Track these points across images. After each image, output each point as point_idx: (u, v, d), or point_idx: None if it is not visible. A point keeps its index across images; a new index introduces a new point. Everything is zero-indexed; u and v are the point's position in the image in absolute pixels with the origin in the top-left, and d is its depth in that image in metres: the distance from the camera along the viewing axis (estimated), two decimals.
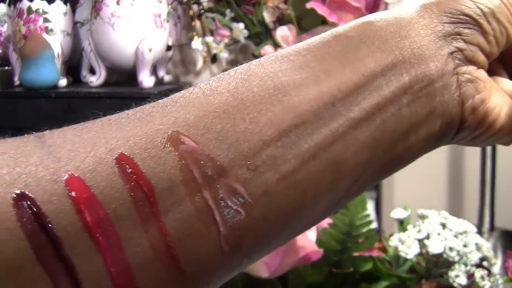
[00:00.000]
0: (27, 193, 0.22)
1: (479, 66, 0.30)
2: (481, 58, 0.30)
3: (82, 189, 0.23)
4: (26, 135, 0.25)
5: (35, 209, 0.22)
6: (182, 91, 0.28)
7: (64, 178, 0.23)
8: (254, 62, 0.29)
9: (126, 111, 0.27)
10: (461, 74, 0.30)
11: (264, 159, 0.26)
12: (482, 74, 0.30)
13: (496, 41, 0.30)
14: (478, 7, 0.30)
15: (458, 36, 0.30)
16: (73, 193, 0.23)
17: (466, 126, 0.30)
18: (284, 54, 0.29)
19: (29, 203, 0.22)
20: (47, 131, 0.26)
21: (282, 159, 0.26)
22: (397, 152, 0.29)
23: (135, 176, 0.24)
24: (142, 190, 0.24)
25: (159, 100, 0.27)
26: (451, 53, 0.29)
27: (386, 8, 1.03)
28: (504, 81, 0.33)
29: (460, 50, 0.30)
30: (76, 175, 0.23)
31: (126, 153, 0.24)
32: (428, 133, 0.30)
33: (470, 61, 0.30)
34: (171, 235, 0.24)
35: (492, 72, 0.32)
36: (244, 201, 0.26)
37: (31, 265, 0.22)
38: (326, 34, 0.30)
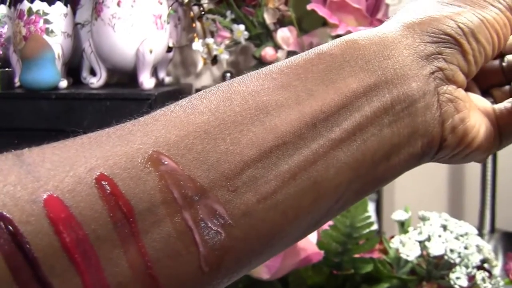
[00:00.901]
0: (4, 213, 0.22)
1: (458, 85, 0.30)
2: (461, 77, 0.30)
3: (61, 210, 0.23)
4: (5, 152, 0.25)
5: (12, 230, 0.22)
6: (163, 108, 0.28)
7: (43, 198, 0.23)
8: (237, 79, 0.29)
9: (107, 129, 0.27)
10: (442, 94, 0.30)
11: (244, 180, 0.26)
12: (461, 93, 0.30)
13: (475, 61, 0.30)
14: (459, 27, 0.30)
15: (439, 56, 0.30)
16: (51, 214, 0.23)
17: (446, 145, 0.30)
18: (267, 72, 0.29)
19: (6, 223, 0.22)
20: (26, 149, 0.25)
21: (263, 180, 0.26)
22: (379, 172, 0.29)
23: (114, 197, 0.24)
24: (121, 210, 0.24)
25: (140, 118, 0.27)
26: (432, 73, 0.29)
27: (387, 10, 1.03)
28: (477, 98, 0.33)
29: (441, 69, 0.30)
30: (55, 195, 0.23)
31: (105, 173, 0.24)
32: (409, 153, 0.30)
33: (450, 80, 0.30)
34: (151, 255, 0.24)
35: (465, 89, 0.32)
36: (224, 222, 0.26)
37: (9, 286, 0.22)
38: (310, 52, 0.30)
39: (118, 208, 0.24)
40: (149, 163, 0.25)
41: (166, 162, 0.25)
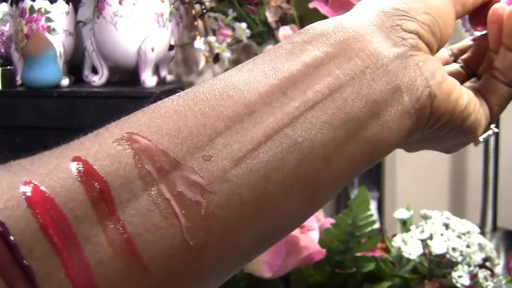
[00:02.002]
0: None
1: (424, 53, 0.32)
2: (423, 46, 0.32)
3: (38, 193, 0.23)
4: None
5: None
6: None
7: (20, 184, 0.23)
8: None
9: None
10: (415, 55, 0.31)
11: (219, 148, 0.26)
12: (431, 56, 0.32)
13: (431, 31, 0.32)
14: (409, 5, 0.32)
15: (398, 27, 0.31)
16: (29, 197, 0.23)
17: (438, 103, 0.31)
18: (233, 67, 0.30)
19: None
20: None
21: (237, 146, 0.27)
22: (371, 132, 0.29)
23: (89, 175, 0.24)
24: (97, 188, 0.24)
25: None
26: (396, 42, 0.31)
27: None
28: None
29: (403, 38, 0.31)
30: (32, 180, 0.24)
31: (79, 155, 0.25)
32: (400, 110, 0.30)
33: (415, 47, 0.31)
34: (130, 230, 0.24)
35: None
36: (203, 190, 0.26)
37: None
38: (271, 46, 0.31)
39: (94, 187, 0.24)
40: (122, 142, 0.26)
41: (139, 141, 0.26)
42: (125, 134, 0.26)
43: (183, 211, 0.25)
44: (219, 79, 0.29)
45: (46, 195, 0.23)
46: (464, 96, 0.33)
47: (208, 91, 0.28)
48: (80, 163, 0.25)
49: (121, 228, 0.24)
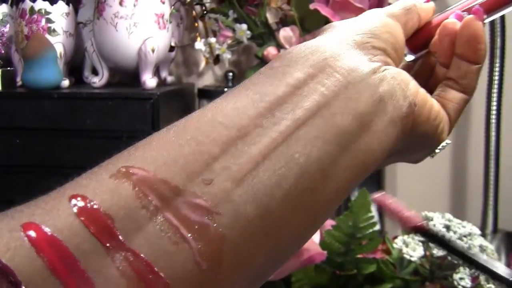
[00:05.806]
0: None
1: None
2: (390, 61, 0.34)
3: (40, 232, 0.23)
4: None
5: None
6: None
7: (21, 226, 0.23)
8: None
9: None
10: (388, 69, 0.33)
11: (218, 172, 0.27)
12: (401, 70, 0.34)
13: (393, 48, 0.35)
14: (374, 25, 0.35)
15: (368, 44, 0.33)
16: (31, 237, 0.23)
17: (418, 112, 0.33)
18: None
19: None
20: None
21: (236, 167, 0.27)
22: (363, 143, 0.30)
23: (90, 210, 0.24)
24: (100, 221, 0.24)
25: None
26: (369, 57, 0.33)
27: None
28: None
29: (373, 55, 0.33)
30: (31, 221, 0.23)
31: (77, 193, 0.25)
32: (385, 120, 0.31)
33: (385, 62, 0.33)
34: (141, 259, 0.24)
35: None
36: (208, 212, 0.26)
37: None
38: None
39: (97, 220, 0.24)
40: (120, 175, 0.26)
41: (135, 172, 0.26)
42: (121, 168, 0.26)
43: (193, 235, 0.25)
44: (206, 108, 0.29)
45: (49, 233, 0.23)
46: (435, 104, 0.35)
47: (198, 120, 0.28)
48: (79, 198, 0.24)
49: (131, 258, 0.24)
